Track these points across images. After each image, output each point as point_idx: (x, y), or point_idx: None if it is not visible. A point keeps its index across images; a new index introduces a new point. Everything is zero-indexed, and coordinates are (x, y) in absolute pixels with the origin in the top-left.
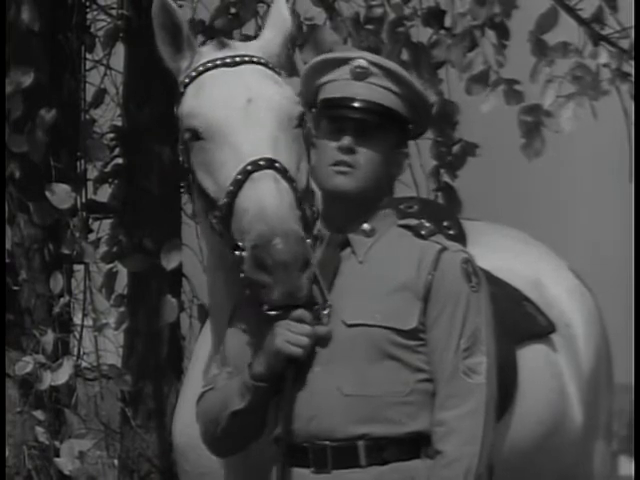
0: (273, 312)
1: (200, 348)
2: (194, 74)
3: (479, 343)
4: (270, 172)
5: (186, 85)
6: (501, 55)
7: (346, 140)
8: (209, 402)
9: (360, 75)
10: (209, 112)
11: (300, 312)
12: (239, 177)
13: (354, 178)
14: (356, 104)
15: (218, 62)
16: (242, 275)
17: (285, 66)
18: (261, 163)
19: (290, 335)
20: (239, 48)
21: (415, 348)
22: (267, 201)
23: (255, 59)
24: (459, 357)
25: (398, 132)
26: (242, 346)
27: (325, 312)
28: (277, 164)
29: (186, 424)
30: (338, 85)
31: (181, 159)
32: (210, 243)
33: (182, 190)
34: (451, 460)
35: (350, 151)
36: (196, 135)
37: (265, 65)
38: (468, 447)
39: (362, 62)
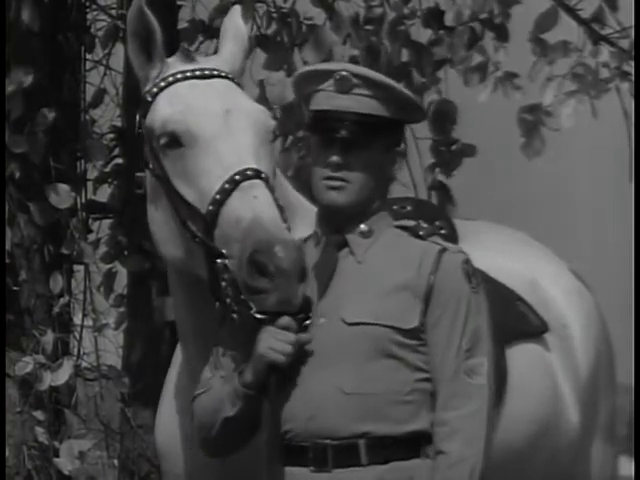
0: (262, 316)
1: (179, 351)
2: (163, 84)
3: (480, 344)
4: (259, 182)
5: (155, 94)
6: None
7: (335, 157)
8: (203, 405)
9: (343, 87)
10: (189, 118)
11: (287, 320)
12: (227, 186)
13: (347, 193)
14: (342, 117)
15: (188, 74)
16: (224, 283)
17: (243, 79)
18: (249, 173)
19: (274, 342)
20: (205, 62)
21: (415, 347)
22: (262, 210)
23: (223, 74)
24: (461, 357)
25: (390, 134)
26: (236, 350)
27: (307, 322)
28: (263, 174)
29: (166, 425)
30: (324, 96)
31: (151, 165)
32: (170, 258)
33: None
34: (456, 460)
35: (340, 167)
36: (175, 141)
37: (232, 80)
38: (472, 447)
39: (344, 74)
